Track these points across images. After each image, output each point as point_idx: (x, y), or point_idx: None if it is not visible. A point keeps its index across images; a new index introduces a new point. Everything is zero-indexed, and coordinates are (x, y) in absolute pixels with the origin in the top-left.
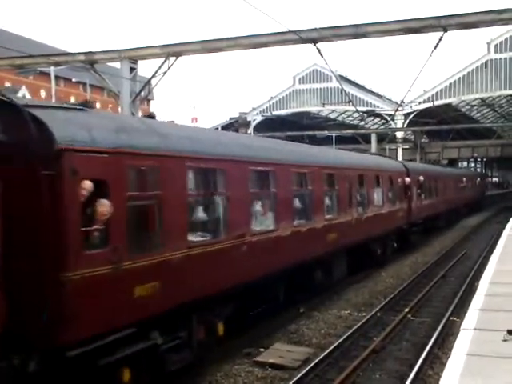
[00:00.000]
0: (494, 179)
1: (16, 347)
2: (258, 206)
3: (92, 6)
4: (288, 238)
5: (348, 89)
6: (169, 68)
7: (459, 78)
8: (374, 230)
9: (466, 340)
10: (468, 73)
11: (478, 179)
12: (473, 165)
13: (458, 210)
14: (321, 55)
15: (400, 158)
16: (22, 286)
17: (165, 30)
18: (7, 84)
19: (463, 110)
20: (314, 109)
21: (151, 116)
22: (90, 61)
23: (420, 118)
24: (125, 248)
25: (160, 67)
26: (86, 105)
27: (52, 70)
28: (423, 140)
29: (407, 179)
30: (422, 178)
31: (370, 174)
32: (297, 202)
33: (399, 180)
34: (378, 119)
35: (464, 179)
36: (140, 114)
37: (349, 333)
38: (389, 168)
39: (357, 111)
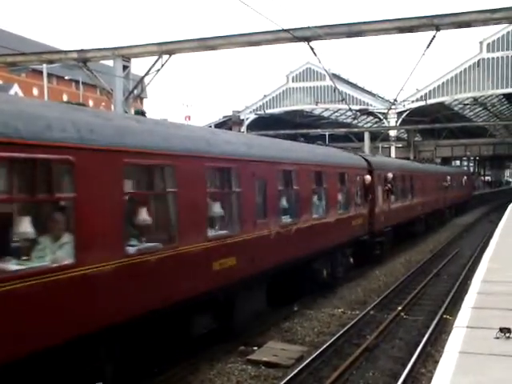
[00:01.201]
0: (487, 178)
1: None
2: None
3: (85, 4)
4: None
5: (341, 87)
6: (162, 66)
7: (452, 77)
8: (315, 245)
9: (459, 338)
10: (460, 72)
11: (465, 177)
12: (466, 163)
13: (442, 213)
14: (314, 54)
15: (393, 156)
16: None
17: (158, 28)
18: None
19: (456, 108)
20: (307, 107)
21: (142, 113)
22: (83, 59)
23: (413, 117)
24: None
25: (153, 65)
26: None
27: (44, 67)
28: (416, 139)
29: (367, 177)
30: (390, 175)
31: (306, 171)
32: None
33: (357, 178)
34: (371, 118)
35: (448, 177)
36: (132, 112)
37: (342, 331)
38: (340, 163)
39: (350, 110)
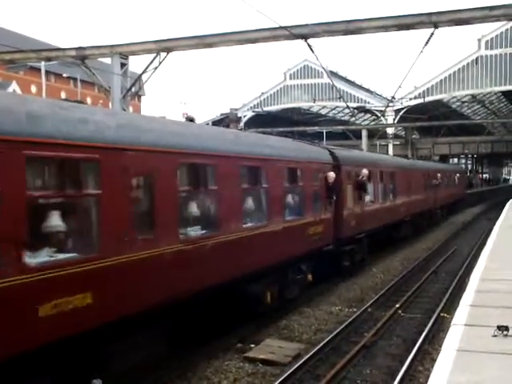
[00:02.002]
0: (485, 175)
1: None
2: None
3: (83, 2)
4: None
5: (339, 85)
6: (160, 64)
7: (450, 75)
8: (249, 263)
9: (456, 336)
10: (459, 69)
11: (457, 175)
12: (463, 161)
13: (432, 214)
14: (312, 51)
15: (391, 153)
16: None
17: (156, 26)
18: None
19: (454, 106)
20: (304, 105)
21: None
22: (81, 56)
23: (411, 114)
24: None
25: (151, 63)
26: None
27: (43, 65)
28: (414, 136)
29: (330, 174)
30: (365, 171)
31: (231, 165)
32: None
33: (318, 176)
34: (368, 115)
35: (438, 175)
36: (131, 109)
37: (339, 328)
38: (289, 156)
39: (347, 107)
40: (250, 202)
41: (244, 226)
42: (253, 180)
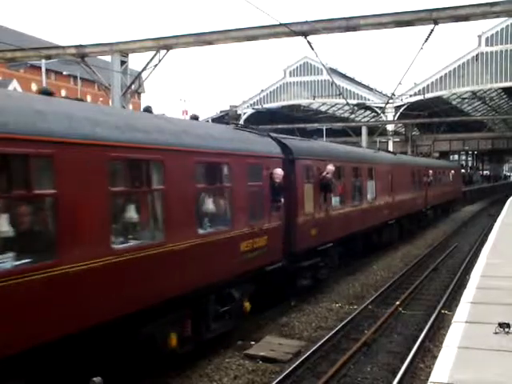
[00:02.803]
0: (485, 172)
1: None
2: None
3: (83, 0)
4: None
5: (339, 81)
6: (160, 61)
7: (450, 71)
8: (141, 296)
9: (458, 333)
10: (459, 66)
11: (452, 171)
12: (464, 158)
13: (421, 215)
14: (311, 48)
15: (391, 150)
16: None
17: (156, 23)
18: None
19: (454, 102)
20: (304, 101)
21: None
22: (81, 54)
23: (411, 111)
24: None
25: (151, 60)
26: None
27: (43, 63)
28: (414, 133)
29: (277, 171)
30: (331, 167)
31: (86, 159)
32: None
33: (261, 173)
34: (368, 112)
35: (430, 172)
36: (131, 107)
37: (340, 326)
38: (208, 146)
39: (347, 104)
40: (130, 213)
41: (118, 247)
42: (133, 178)
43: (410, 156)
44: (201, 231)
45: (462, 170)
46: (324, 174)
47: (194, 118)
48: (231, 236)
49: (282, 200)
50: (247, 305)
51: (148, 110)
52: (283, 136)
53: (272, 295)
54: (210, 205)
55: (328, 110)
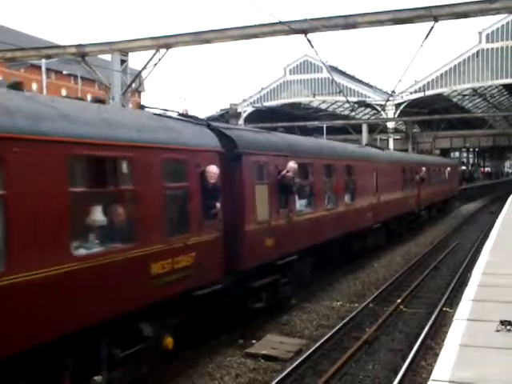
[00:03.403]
0: (487, 169)
1: None
2: None
3: None
4: None
5: (339, 79)
6: (159, 60)
7: (450, 68)
8: None
9: (459, 331)
10: (459, 63)
11: (449, 168)
12: (465, 155)
13: (414, 217)
14: (311, 46)
15: (391, 148)
16: None
17: (155, 22)
18: None
19: (455, 99)
20: (304, 99)
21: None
22: (81, 53)
23: (411, 108)
24: None
25: (151, 59)
26: None
27: (43, 62)
28: (415, 130)
29: (211, 169)
30: (293, 165)
31: None
32: None
33: (188, 171)
34: (368, 109)
35: (423, 169)
36: (131, 105)
37: (341, 324)
38: (103, 136)
39: (347, 102)
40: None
41: None
42: None
43: (401, 152)
44: (79, 252)
45: (463, 167)
46: (284, 172)
47: (98, 101)
48: (135, 256)
49: (218, 205)
50: (168, 341)
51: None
52: (225, 125)
53: (215, 323)
54: (97, 215)
55: (328, 107)
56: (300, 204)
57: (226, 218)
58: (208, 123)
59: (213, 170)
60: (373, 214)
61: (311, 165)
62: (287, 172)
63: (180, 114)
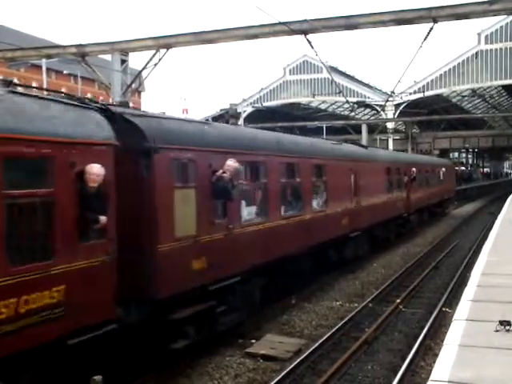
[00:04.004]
0: (486, 169)
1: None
2: None
3: None
4: None
5: (338, 80)
6: (160, 60)
7: (450, 69)
8: None
9: (458, 331)
10: (459, 63)
11: (443, 169)
12: (464, 155)
13: (401, 222)
14: (311, 46)
15: (391, 148)
16: None
17: (156, 22)
18: None
19: (454, 100)
20: (304, 100)
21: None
22: (82, 53)
23: (411, 109)
24: None
25: (151, 59)
26: None
27: (43, 62)
28: (414, 131)
29: (91, 170)
30: (232, 163)
31: None
32: None
33: (59, 173)
34: (368, 110)
35: (413, 169)
36: (131, 105)
37: (340, 324)
38: None
39: (347, 102)
40: None
41: None
42: None
43: (387, 151)
44: None
45: (462, 168)
46: (219, 173)
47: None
48: None
49: (104, 219)
50: None
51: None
52: (131, 110)
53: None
54: None
55: (328, 108)
56: (248, 212)
57: (125, 234)
58: (103, 107)
59: (94, 170)
60: (350, 221)
61: (264, 163)
62: (223, 172)
63: (54, 93)
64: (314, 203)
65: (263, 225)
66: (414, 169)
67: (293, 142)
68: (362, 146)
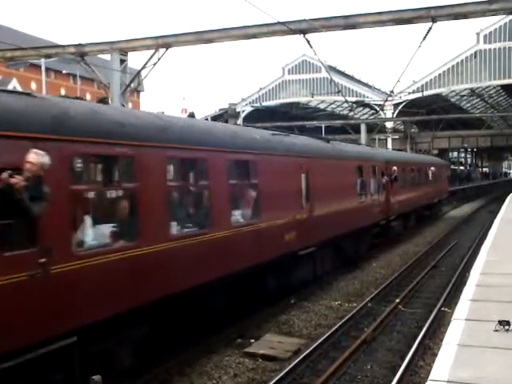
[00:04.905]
0: (485, 169)
1: None
2: None
3: None
4: None
5: (337, 79)
6: (159, 59)
7: (449, 69)
8: None
9: (458, 330)
10: (457, 63)
11: (432, 168)
12: (463, 155)
13: (379, 230)
14: (310, 46)
15: (390, 148)
16: None
17: (155, 22)
18: None
19: (453, 100)
20: (303, 99)
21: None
22: (81, 53)
23: (409, 109)
24: None
25: (150, 59)
26: None
27: (43, 62)
28: (413, 130)
29: None
30: (37, 158)
31: None
32: None
33: None
34: (367, 109)
35: (394, 168)
36: (130, 105)
37: (340, 323)
38: None
39: (346, 101)
40: None
41: None
42: None
43: (360, 146)
44: None
45: (461, 167)
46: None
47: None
48: None
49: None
50: None
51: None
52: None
53: None
54: None
55: (327, 107)
56: (96, 235)
57: None
58: None
59: None
60: (299, 234)
61: (128, 158)
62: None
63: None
64: (236, 215)
65: (131, 252)
66: (395, 167)
67: (198, 128)
68: (323, 140)
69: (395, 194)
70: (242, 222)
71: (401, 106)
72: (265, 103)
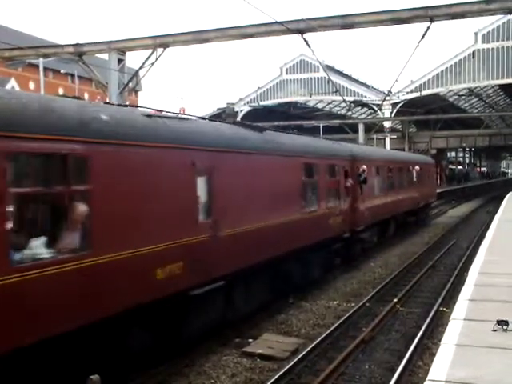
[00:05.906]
0: (483, 169)
1: None
2: None
3: None
4: None
5: (335, 79)
6: (157, 59)
7: (447, 68)
8: None
9: (456, 330)
10: (455, 63)
11: (417, 168)
12: (461, 155)
13: (345, 244)
14: (308, 46)
15: (388, 147)
16: None
17: (152, 22)
18: None
19: (451, 99)
20: (301, 99)
21: None
22: (79, 52)
23: (408, 108)
24: None
25: (148, 58)
26: None
27: (41, 61)
28: (411, 130)
29: None
30: None
31: None
32: None
33: None
34: (365, 109)
35: (364, 167)
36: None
37: (338, 323)
38: None
39: (344, 101)
40: None
41: None
42: None
43: (312, 138)
44: None
45: (459, 167)
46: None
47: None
48: None
49: None
50: None
51: None
52: None
53: None
54: None
55: (325, 107)
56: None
57: None
58: None
59: None
60: (190, 265)
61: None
62: None
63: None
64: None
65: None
66: (364, 166)
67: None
68: (254, 129)
69: (365, 200)
70: (131, 246)
71: (399, 106)
72: (263, 103)
